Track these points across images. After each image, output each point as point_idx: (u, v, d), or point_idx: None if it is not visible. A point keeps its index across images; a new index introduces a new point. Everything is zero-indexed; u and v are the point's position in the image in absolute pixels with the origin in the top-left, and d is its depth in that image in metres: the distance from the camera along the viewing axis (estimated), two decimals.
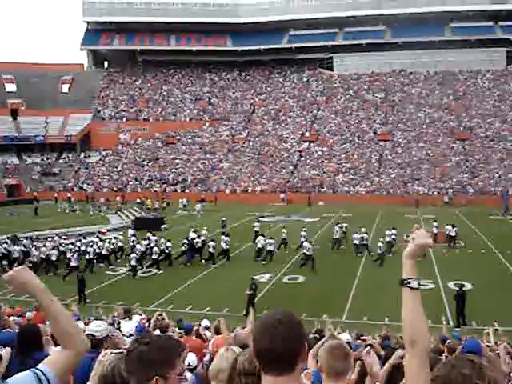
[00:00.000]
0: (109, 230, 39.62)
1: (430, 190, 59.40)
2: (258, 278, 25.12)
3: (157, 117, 79.37)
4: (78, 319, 12.50)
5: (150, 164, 70.49)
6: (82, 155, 74.43)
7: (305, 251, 28.41)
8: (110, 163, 71.69)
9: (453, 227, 33.32)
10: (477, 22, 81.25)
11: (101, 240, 31.10)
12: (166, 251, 29.15)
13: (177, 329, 12.13)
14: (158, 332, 10.03)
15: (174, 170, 68.45)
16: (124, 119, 78.68)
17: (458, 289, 19.98)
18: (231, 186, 63.97)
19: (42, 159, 73.74)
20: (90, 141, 76.73)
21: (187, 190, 63.46)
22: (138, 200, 55.55)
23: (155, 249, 28.42)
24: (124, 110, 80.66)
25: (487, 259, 29.70)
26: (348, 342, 7.51)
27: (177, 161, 70.64)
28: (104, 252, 29.47)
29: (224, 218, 41.06)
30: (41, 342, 5.10)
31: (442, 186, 59.67)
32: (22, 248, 29.58)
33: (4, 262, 28.31)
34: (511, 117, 70.79)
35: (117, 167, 70.36)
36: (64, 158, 74.57)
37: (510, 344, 9.23)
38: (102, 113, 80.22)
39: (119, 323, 12.31)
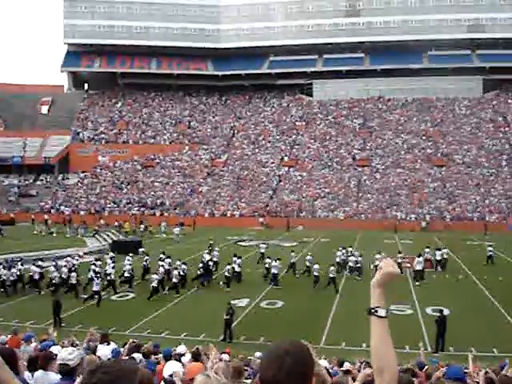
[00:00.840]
0: (85, 253, 39.17)
1: (408, 215, 59.86)
2: (236, 302, 24.98)
3: (136, 140, 79.21)
4: (54, 344, 12.29)
5: (128, 187, 70.14)
6: (60, 177, 73.84)
7: (315, 273, 29.00)
8: (88, 185, 71.18)
9: (439, 250, 34.08)
10: (454, 50, 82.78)
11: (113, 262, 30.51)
12: (182, 273, 28.87)
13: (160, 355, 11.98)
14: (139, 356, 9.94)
15: (152, 194, 68.16)
16: (103, 141, 78.42)
17: (439, 314, 20.01)
18: (210, 209, 63.84)
19: (20, 180, 73.05)
20: (69, 163, 76.22)
21: (166, 214, 63.20)
22: (116, 223, 55.17)
23: (175, 272, 27.96)
24: (103, 133, 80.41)
25: (464, 284, 29.87)
26: (327, 369, 7.47)
27: (156, 184, 70.40)
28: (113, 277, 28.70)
29: (211, 242, 40.89)
30: (17, 366, 5.01)
31: (420, 212, 60.17)
32: (39, 270, 28.82)
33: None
34: (488, 144, 71.87)
35: (95, 189, 69.88)
36: (42, 180, 73.94)
37: (490, 370, 9.24)
38: (81, 135, 79.85)
39: (95, 348, 12.13)
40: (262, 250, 35.47)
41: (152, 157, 75.82)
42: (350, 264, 32.12)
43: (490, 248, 35.67)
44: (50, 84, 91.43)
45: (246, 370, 9.73)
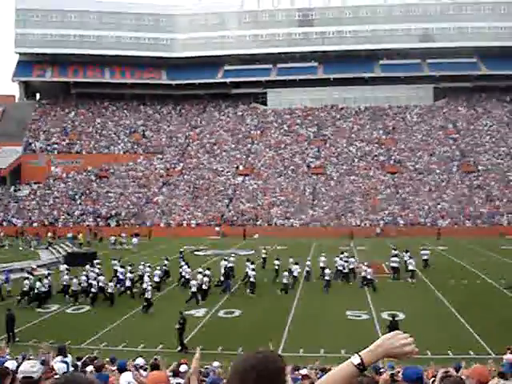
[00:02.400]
0: (39, 266, 38.39)
1: (363, 221, 60.66)
2: (193, 312, 24.89)
3: (90, 150, 78.16)
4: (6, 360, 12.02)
5: (82, 198, 69.12)
6: (12, 188, 72.22)
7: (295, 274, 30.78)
8: (40, 197, 69.83)
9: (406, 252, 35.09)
10: (405, 59, 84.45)
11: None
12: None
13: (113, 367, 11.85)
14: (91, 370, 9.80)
15: (107, 204, 67.32)
16: (56, 152, 77.09)
17: (391, 319, 20.32)
18: (166, 219, 63.43)
19: None
20: (21, 174, 74.71)
21: (121, 224, 62.54)
22: (70, 235, 54.30)
23: (193, 282, 27.97)
24: (56, 143, 79.08)
25: (418, 289, 30.39)
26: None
27: (110, 194, 69.57)
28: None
29: (182, 250, 40.94)
30: None
31: (374, 218, 61.03)
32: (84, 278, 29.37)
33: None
34: (439, 150, 73.45)
35: (48, 201, 68.61)
36: None
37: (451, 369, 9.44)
38: (33, 145, 78.39)
39: (48, 361, 11.92)
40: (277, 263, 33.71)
41: (106, 167, 74.93)
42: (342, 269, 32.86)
43: (425, 252, 36.26)
44: (1, 94, 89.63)
45: (204, 381, 9.71)
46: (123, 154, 77.59)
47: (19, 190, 72.01)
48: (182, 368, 12.37)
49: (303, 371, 10.57)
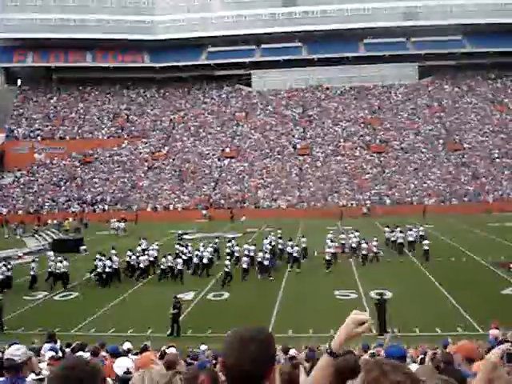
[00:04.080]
0: (25, 254, 38.15)
1: (349, 202, 60.77)
2: (182, 296, 24.79)
3: (73, 135, 77.48)
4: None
5: (67, 184, 68.62)
6: None
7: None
8: (24, 184, 69.23)
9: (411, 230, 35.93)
10: (390, 37, 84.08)
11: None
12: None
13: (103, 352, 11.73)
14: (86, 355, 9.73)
15: (92, 190, 66.92)
16: (39, 138, 76.37)
17: (378, 297, 20.36)
18: (152, 204, 63.17)
19: None
20: (4, 161, 73.99)
21: (107, 209, 62.27)
22: (55, 221, 53.96)
23: (244, 259, 29.07)
24: (39, 129, 78.32)
25: (406, 268, 30.51)
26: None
27: (95, 180, 69.13)
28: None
29: (180, 232, 41.63)
30: None
31: (361, 198, 61.17)
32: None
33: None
34: (424, 129, 73.56)
35: (32, 188, 68.04)
36: None
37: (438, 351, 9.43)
38: (15, 132, 77.59)
39: (39, 349, 11.86)
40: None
41: (90, 152, 74.35)
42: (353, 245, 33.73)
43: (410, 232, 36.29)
44: None
45: (192, 364, 9.63)
46: (107, 139, 76.99)
47: (3, 177, 71.38)
48: (170, 351, 12.29)
49: (291, 352, 10.53)
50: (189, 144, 75.50)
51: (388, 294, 23.10)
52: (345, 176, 65.81)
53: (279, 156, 71.22)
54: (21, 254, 37.21)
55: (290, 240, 32.94)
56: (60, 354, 10.97)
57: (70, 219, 54.33)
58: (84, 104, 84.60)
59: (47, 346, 12.11)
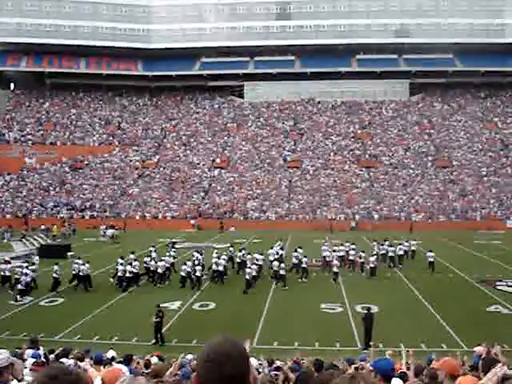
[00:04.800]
0: (12, 258, 37.93)
1: (338, 215, 60.99)
2: (168, 305, 24.82)
3: (64, 141, 77.37)
4: None
5: (56, 189, 68.41)
6: None
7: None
8: (14, 188, 68.95)
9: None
10: (381, 54, 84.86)
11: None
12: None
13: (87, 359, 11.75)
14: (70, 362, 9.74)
15: (81, 196, 66.75)
16: (30, 143, 76.17)
17: (365, 311, 20.46)
18: (141, 211, 63.11)
19: None
20: None
21: (96, 216, 62.13)
22: (43, 226, 53.76)
23: (248, 270, 28.79)
24: (30, 134, 78.14)
25: (392, 282, 30.64)
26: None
27: (85, 186, 68.97)
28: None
29: (173, 240, 41.55)
30: None
31: (349, 212, 61.41)
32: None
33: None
34: (413, 145, 74.08)
35: (21, 192, 67.79)
36: None
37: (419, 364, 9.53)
38: (6, 136, 77.33)
39: (22, 354, 11.83)
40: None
41: (81, 158, 74.23)
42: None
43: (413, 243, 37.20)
44: None
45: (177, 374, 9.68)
46: (98, 146, 76.95)
47: None
48: (153, 360, 12.34)
49: (277, 363, 10.61)
50: (180, 153, 75.58)
51: (374, 309, 23.22)
52: (334, 190, 66.07)
53: (269, 168, 71.43)
54: (8, 259, 36.98)
55: (295, 251, 33.32)
56: (43, 359, 10.98)
57: (56, 226, 53.93)
58: (76, 110, 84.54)
59: (30, 351, 12.13)
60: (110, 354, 13.33)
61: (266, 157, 73.74)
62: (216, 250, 32.92)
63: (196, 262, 30.34)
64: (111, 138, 78.87)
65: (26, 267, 28.35)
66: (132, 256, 30.98)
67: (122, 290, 28.44)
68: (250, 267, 29.28)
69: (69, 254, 38.81)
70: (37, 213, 63.19)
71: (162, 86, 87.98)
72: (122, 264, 29.37)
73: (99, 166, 73.16)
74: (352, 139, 76.73)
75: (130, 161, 74.46)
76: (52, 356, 12.83)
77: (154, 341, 20.19)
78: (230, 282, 30.37)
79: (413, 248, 37.87)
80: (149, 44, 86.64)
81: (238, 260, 33.35)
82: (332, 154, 73.62)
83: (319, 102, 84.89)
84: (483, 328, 20.82)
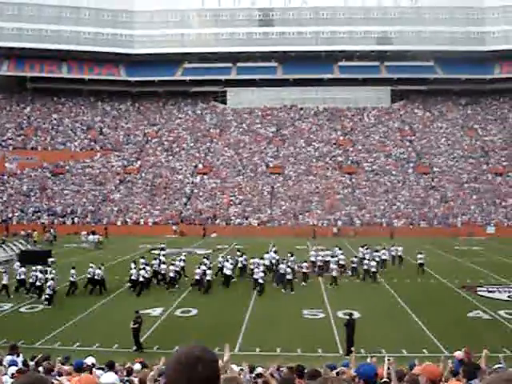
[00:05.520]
0: None
1: (320, 221, 61.13)
2: (149, 311, 24.68)
3: (46, 146, 76.76)
4: None
5: (37, 195, 67.83)
6: None
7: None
8: None
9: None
10: (363, 61, 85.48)
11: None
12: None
13: (65, 367, 11.63)
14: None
15: (62, 202, 66.22)
16: (10, 148, 75.47)
17: (347, 317, 20.49)
18: (123, 217, 62.77)
19: None
20: None
21: (77, 222, 61.71)
22: (23, 232, 53.25)
23: (261, 274, 29.63)
24: (11, 138, 77.43)
25: (373, 288, 30.74)
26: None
27: (66, 192, 68.45)
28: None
29: (163, 245, 41.56)
30: None
31: (331, 218, 61.58)
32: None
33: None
34: (395, 152, 74.53)
35: (1, 198, 67.10)
36: None
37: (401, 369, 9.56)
38: None
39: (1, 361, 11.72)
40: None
41: (62, 164, 73.67)
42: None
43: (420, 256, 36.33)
44: None
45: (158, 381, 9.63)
46: (80, 151, 76.45)
47: None
48: (136, 367, 12.26)
49: (258, 369, 10.59)
50: (162, 159, 75.34)
51: (356, 315, 23.26)
52: (316, 196, 66.22)
53: (252, 174, 71.45)
54: None
55: (292, 255, 33.43)
56: (21, 366, 10.87)
57: (36, 232, 53.43)
58: (58, 115, 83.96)
59: (9, 358, 12.01)
60: (89, 360, 13.20)
61: (248, 163, 73.75)
62: (222, 255, 33.84)
63: (207, 267, 30.79)
64: (93, 144, 78.41)
65: (50, 272, 28.47)
66: (142, 261, 31.41)
67: (137, 295, 28.75)
68: (260, 271, 29.91)
69: (49, 260, 38.44)
70: (17, 218, 62.58)
71: (145, 92, 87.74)
72: (134, 268, 29.98)
73: (80, 172, 72.65)
74: (334, 145, 77.02)
75: (112, 166, 74.05)
76: (32, 363, 12.71)
77: (134, 347, 20.06)
78: (213, 288, 30.29)
79: (399, 254, 38.10)
80: (131, 49, 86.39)
81: (240, 265, 33.75)
82: (314, 160, 73.81)
83: (301, 109, 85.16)
84: (464, 333, 20.97)
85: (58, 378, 10.16)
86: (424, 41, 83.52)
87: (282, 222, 61.60)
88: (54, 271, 28.98)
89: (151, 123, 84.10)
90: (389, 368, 7.77)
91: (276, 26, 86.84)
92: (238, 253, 35.40)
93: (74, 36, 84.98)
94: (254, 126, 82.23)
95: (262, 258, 32.97)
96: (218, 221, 62.17)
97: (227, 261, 31.72)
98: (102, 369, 11.42)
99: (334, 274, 31.21)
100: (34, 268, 29.49)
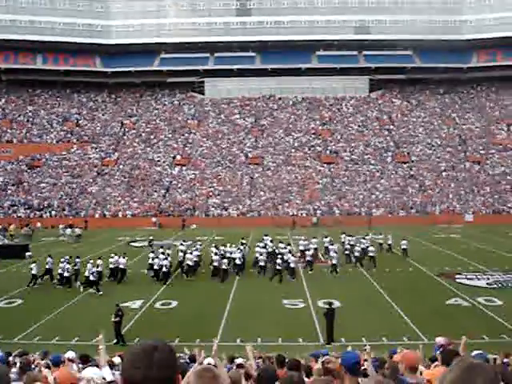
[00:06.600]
0: None
1: (299, 211, 61.19)
2: (129, 304, 24.49)
3: (21, 138, 75.79)
4: None
5: (13, 188, 66.97)
6: None
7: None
8: None
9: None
10: (342, 50, 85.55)
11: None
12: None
13: (42, 361, 11.42)
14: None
15: (39, 195, 65.49)
16: None
17: (327, 306, 20.50)
18: (101, 210, 62.25)
19: None
20: None
21: (54, 215, 61.09)
22: (0, 226, 52.60)
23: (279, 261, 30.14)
24: None
25: (353, 277, 30.83)
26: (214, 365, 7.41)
27: (42, 185, 67.68)
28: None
29: (151, 238, 42.23)
30: None
31: (311, 208, 61.65)
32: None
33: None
34: (373, 141, 74.77)
35: None
36: None
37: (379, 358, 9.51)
38: None
39: None
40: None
41: (38, 156, 72.81)
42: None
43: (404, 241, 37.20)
44: None
45: None
46: (56, 143, 75.54)
47: None
48: (117, 360, 12.09)
49: (238, 360, 10.49)
50: (139, 150, 74.77)
51: (336, 304, 23.29)
52: (295, 186, 66.24)
53: (231, 165, 71.23)
54: None
55: (289, 244, 34.35)
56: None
57: (13, 226, 52.78)
58: (33, 107, 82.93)
59: None
60: (69, 354, 13.00)
61: (227, 153, 73.50)
62: (233, 244, 33.86)
63: (221, 257, 31.43)
64: (69, 136, 77.58)
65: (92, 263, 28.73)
66: (161, 250, 31.71)
67: (164, 283, 29.34)
68: (279, 258, 30.36)
69: (27, 254, 38.03)
70: None
71: (121, 83, 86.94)
72: (157, 258, 30.48)
73: (57, 164, 71.85)
74: (313, 135, 77.05)
75: (89, 158, 73.33)
76: (11, 358, 12.51)
77: (115, 341, 19.89)
78: (195, 279, 30.19)
79: (389, 242, 38.75)
80: (107, 40, 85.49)
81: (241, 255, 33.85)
82: (293, 150, 73.80)
83: (280, 99, 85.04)
84: (444, 320, 21.10)
85: (43, 369, 9.98)
86: (402, 30, 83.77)
87: (262, 212, 61.55)
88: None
89: (128, 114, 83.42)
90: (366, 360, 7.72)
91: (254, 15, 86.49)
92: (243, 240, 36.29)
93: (49, 26, 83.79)
94: (232, 117, 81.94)
95: (264, 247, 33.57)
96: (197, 212, 61.93)
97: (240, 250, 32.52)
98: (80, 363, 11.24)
99: (334, 261, 31.35)
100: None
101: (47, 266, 29.78)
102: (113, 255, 30.81)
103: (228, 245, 33.78)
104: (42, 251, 37.59)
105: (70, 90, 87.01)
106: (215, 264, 30.72)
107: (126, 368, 2.23)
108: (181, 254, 32.32)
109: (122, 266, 30.24)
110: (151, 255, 31.68)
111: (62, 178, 68.99)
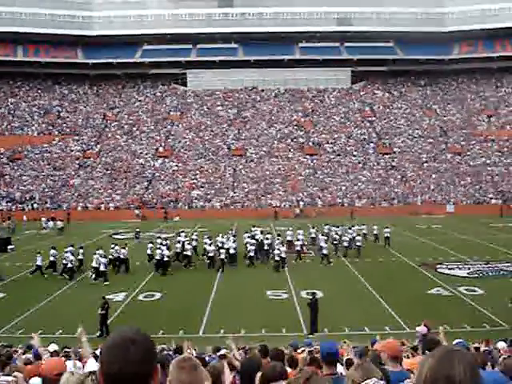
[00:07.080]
0: None
1: (282, 203, 61.36)
2: (112, 297, 24.47)
3: (2, 131, 75.06)
4: None
5: None
6: None
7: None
8: None
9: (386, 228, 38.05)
10: (324, 42, 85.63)
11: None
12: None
13: (23, 356, 11.44)
14: None
15: (21, 188, 64.97)
16: None
17: (311, 297, 20.67)
18: (83, 202, 61.93)
19: None
20: None
21: (36, 208, 60.67)
22: None
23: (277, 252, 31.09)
24: None
25: (336, 268, 31.06)
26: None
27: (24, 177, 67.13)
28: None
29: (138, 230, 42.33)
30: None
31: (294, 199, 61.86)
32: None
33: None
34: (356, 133, 75.07)
35: None
36: None
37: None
38: None
39: None
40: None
41: (19, 149, 72.11)
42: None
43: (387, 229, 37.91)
44: None
45: None
46: (37, 136, 74.89)
47: None
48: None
49: (222, 351, 10.59)
50: (122, 142, 74.41)
51: (319, 294, 23.47)
52: (278, 177, 66.37)
53: (213, 156, 71.15)
54: None
55: (279, 235, 34.22)
56: None
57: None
58: (14, 99, 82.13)
59: None
60: (52, 348, 13.04)
61: (209, 145, 73.39)
62: (226, 236, 34.11)
63: (219, 245, 31.98)
64: (51, 128, 76.97)
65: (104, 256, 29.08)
66: (159, 241, 32.28)
67: (161, 274, 29.71)
68: (278, 249, 30.81)
69: (9, 247, 37.84)
70: None
71: (103, 74, 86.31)
72: (160, 248, 30.61)
73: (39, 157, 71.25)
74: (295, 127, 77.17)
75: (71, 151, 72.82)
76: None
77: (99, 333, 19.89)
78: (177, 271, 30.25)
79: (375, 232, 39.00)
80: (89, 31, 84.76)
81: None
82: (276, 141, 73.88)
83: (262, 90, 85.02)
84: (425, 310, 21.36)
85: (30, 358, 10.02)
86: (384, 22, 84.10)
87: (245, 204, 61.63)
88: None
89: (110, 106, 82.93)
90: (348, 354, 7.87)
91: (236, 6, 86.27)
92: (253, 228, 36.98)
93: (30, 18, 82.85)
94: (215, 108, 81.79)
95: (253, 237, 33.99)
96: (180, 204, 61.86)
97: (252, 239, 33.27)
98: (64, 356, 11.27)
99: (325, 252, 31.55)
100: None
101: (51, 259, 29.84)
102: (113, 246, 31.16)
103: (220, 235, 34.06)
104: (24, 244, 37.42)
105: (52, 81, 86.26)
106: (210, 255, 31.06)
107: (103, 361, 2.21)
108: (178, 244, 32.68)
109: (122, 257, 30.59)
110: (150, 245, 32.52)
111: (44, 170, 68.49)
